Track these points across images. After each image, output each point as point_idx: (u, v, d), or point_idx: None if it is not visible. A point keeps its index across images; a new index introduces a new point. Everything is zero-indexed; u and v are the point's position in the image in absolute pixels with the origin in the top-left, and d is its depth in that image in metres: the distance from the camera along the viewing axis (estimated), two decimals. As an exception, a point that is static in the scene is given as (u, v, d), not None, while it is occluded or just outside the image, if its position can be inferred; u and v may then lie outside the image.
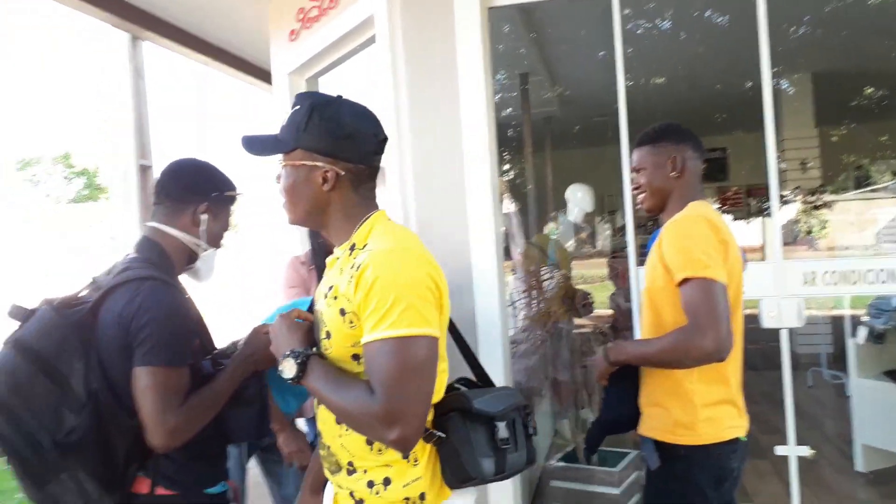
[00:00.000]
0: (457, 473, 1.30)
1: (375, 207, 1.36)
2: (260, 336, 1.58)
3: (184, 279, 1.72)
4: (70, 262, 22.15)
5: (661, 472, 1.77)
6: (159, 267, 1.56)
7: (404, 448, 1.22)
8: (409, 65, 2.93)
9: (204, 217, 1.63)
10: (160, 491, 1.51)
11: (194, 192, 1.64)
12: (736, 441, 1.77)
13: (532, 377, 3.83)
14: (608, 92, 6.09)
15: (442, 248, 2.91)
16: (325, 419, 1.38)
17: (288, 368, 1.28)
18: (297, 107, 1.32)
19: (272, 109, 4.21)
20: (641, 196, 1.93)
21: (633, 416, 1.93)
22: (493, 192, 2.83)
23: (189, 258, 1.66)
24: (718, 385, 1.74)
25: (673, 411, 1.75)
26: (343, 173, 1.30)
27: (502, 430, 1.34)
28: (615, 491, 3.27)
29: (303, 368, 1.28)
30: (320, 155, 1.29)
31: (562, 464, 3.53)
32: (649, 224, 8.55)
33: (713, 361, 1.62)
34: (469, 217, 2.87)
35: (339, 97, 1.34)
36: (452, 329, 1.58)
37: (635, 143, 1.97)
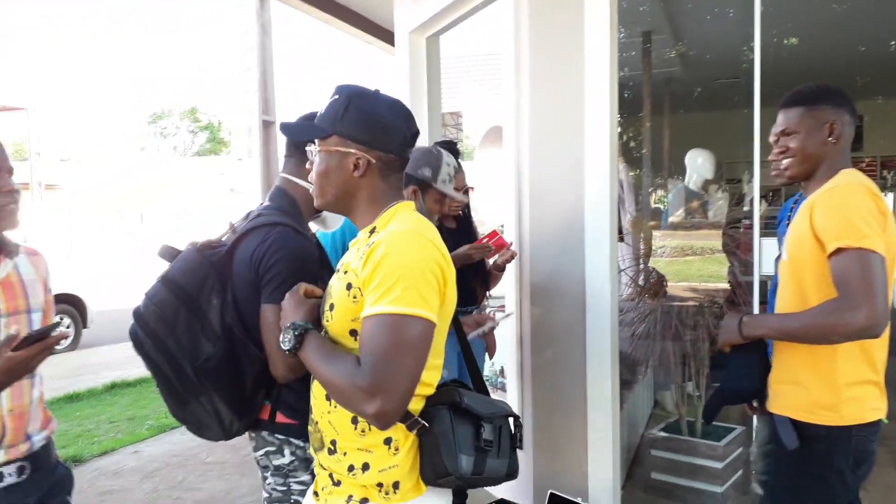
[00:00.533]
0: (435, 467, 1.30)
1: (401, 198, 1.42)
2: None
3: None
4: (194, 212, 23.71)
5: (797, 452, 1.70)
6: (289, 215, 1.68)
7: (384, 423, 1.25)
8: (533, 21, 2.90)
9: None
10: (280, 418, 1.65)
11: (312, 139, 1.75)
12: (878, 423, 1.69)
13: (637, 346, 3.80)
14: (735, 52, 5.77)
15: (554, 210, 2.92)
16: (317, 395, 1.43)
17: (287, 340, 1.38)
18: (336, 97, 1.40)
19: (392, 69, 4.29)
20: (788, 161, 1.79)
21: (756, 390, 1.87)
22: (611, 156, 2.78)
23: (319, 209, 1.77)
24: (863, 364, 1.66)
25: (813, 390, 1.68)
26: (374, 161, 1.36)
27: (488, 431, 1.34)
28: (718, 465, 3.21)
29: (300, 341, 1.35)
30: (354, 142, 1.35)
31: (664, 434, 3.50)
32: (770, 195, 8.07)
33: (865, 338, 1.53)
34: (586, 180, 2.84)
35: (377, 91, 1.40)
36: (457, 329, 1.61)
37: (785, 102, 1.81)
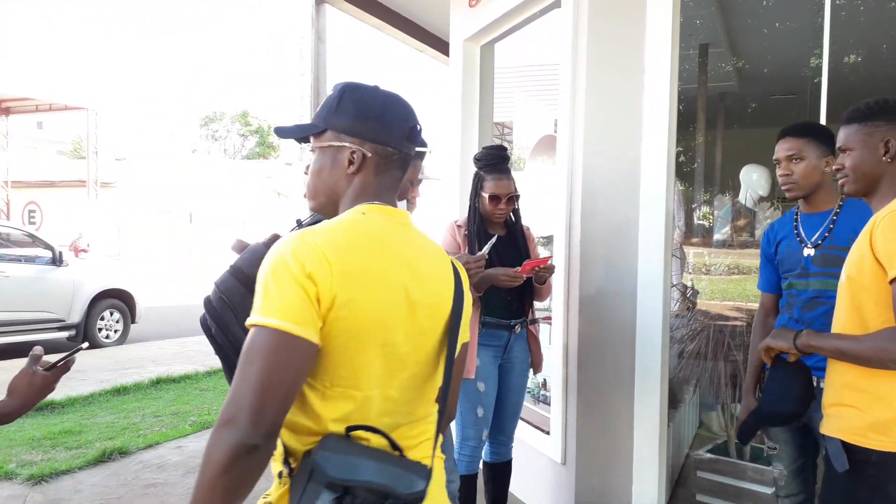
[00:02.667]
0: None
1: (390, 200, 1.27)
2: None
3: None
4: (242, 212, 24.20)
5: (847, 476, 1.65)
6: None
7: (234, 455, 0.98)
8: (592, 30, 2.88)
9: None
10: None
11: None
12: None
13: (685, 364, 3.72)
14: (792, 68, 5.63)
15: (606, 222, 2.88)
16: None
17: None
18: (332, 93, 1.31)
19: (444, 77, 4.31)
20: (843, 180, 1.78)
21: (795, 412, 1.83)
22: (668, 171, 2.74)
23: None
24: None
25: (867, 414, 1.62)
26: (370, 155, 1.24)
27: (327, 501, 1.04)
28: (768, 491, 3.11)
29: None
30: (348, 135, 1.24)
31: (711, 455, 3.41)
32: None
33: None
34: (641, 193, 2.80)
35: (375, 86, 1.31)
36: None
37: (843, 118, 1.79)
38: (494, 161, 2.74)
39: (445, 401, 1.27)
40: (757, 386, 2.38)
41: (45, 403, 5.27)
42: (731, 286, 5.70)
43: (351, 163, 1.24)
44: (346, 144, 1.24)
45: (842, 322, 1.72)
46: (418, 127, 1.31)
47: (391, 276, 1.15)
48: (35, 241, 8.04)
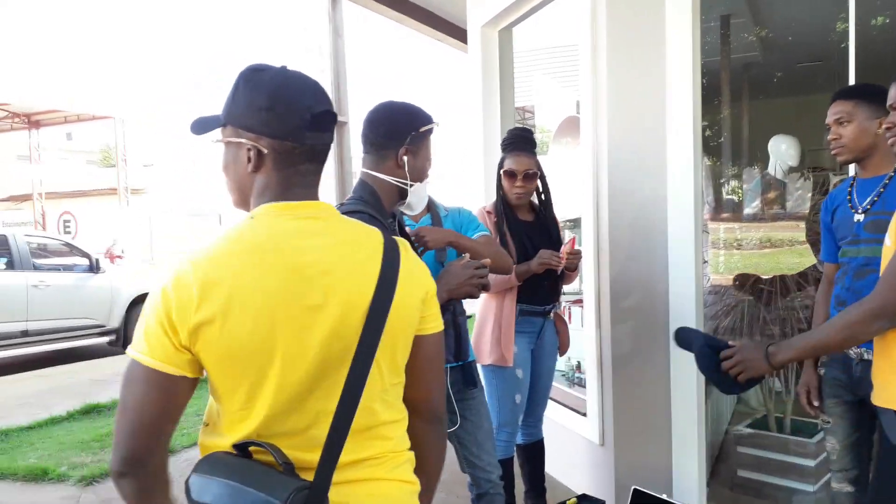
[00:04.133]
0: None
1: (302, 195, 1.14)
2: (454, 268, 1.71)
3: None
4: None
5: None
6: (370, 204, 1.79)
7: (116, 481, 1.06)
8: (611, 7, 2.85)
9: (405, 158, 1.80)
10: None
11: (393, 137, 1.81)
12: None
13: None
14: (817, 34, 5.50)
15: (634, 201, 2.86)
16: None
17: None
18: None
19: (464, 65, 4.30)
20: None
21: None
22: (695, 146, 2.71)
23: (400, 194, 1.85)
24: None
25: None
26: (266, 151, 1.11)
27: None
28: (810, 463, 3.08)
29: None
30: (245, 130, 1.12)
31: (750, 430, 3.39)
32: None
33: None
34: (668, 171, 2.78)
35: (281, 67, 1.17)
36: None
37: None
38: (514, 140, 2.77)
39: (356, 397, 1.08)
40: (817, 359, 2.35)
41: (90, 407, 5.42)
42: (764, 260, 5.62)
43: (249, 160, 1.13)
44: (243, 141, 1.13)
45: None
46: (323, 111, 1.13)
47: (270, 285, 1.03)
48: (72, 249, 8.24)
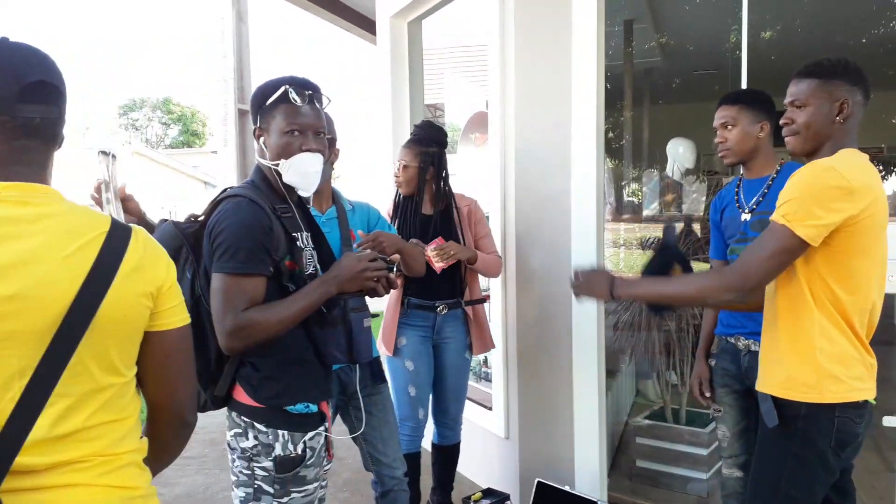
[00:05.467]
0: None
1: (17, 174, 1.04)
2: (347, 259, 1.63)
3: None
4: (171, 204, 23.36)
5: (777, 431, 1.68)
6: (258, 189, 1.66)
7: None
8: (519, 7, 2.86)
9: (262, 140, 1.68)
10: (243, 398, 1.61)
11: (253, 121, 1.71)
12: (864, 404, 1.66)
13: (620, 335, 3.80)
14: (715, 43, 5.78)
15: (540, 198, 2.89)
16: None
17: None
18: None
19: (373, 57, 4.23)
20: (791, 137, 1.73)
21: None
22: (598, 144, 2.76)
23: (281, 177, 1.68)
24: (845, 341, 1.64)
25: (793, 367, 1.66)
26: None
27: None
28: (703, 452, 3.22)
29: None
30: None
31: (648, 421, 3.51)
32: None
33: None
34: (572, 168, 2.81)
35: (4, 38, 1.08)
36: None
37: (799, 72, 1.74)
38: (411, 135, 2.80)
39: (40, 398, 0.99)
40: (708, 351, 2.45)
41: None
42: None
43: None
44: None
45: (766, 288, 1.76)
46: (37, 80, 1.04)
47: None
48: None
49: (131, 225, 1.11)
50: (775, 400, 1.70)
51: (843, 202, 1.54)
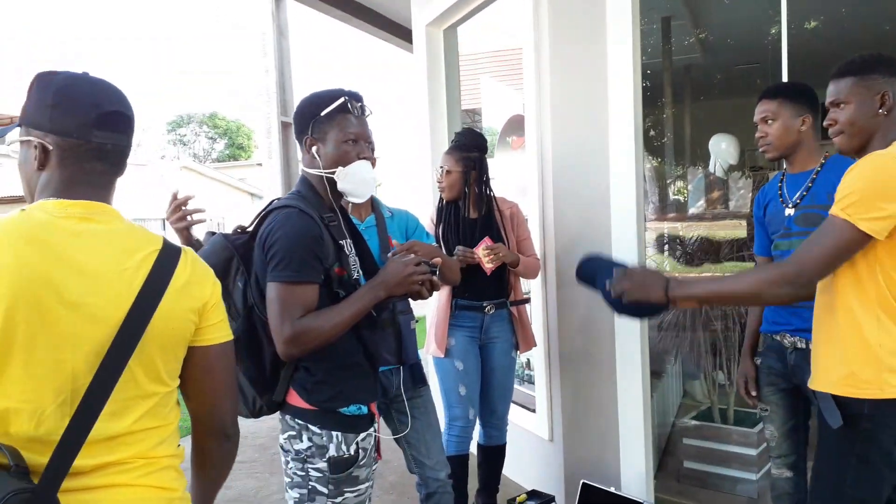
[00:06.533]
0: None
1: (86, 195, 1.12)
2: (393, 265, 1.67)
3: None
4: (219, 216, 23.91)
5: (839, 431, 1.63)
6: (306, 199, 1.71)
7: None
8: (553, 8, 2.88)
9: (314, 149, 1.72)
10: (297, 401, 1.67)
11: (300, 132, 1.76)
12: None
13: (666, 335, 3.76)
14: (755, 37, 5.68)
15: (578, 197, 2.89)
16: None
17: None
18: None
19: (410, 65, 4.29)
20: (838, 137, 1.72)
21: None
22: (636, 141, 2.75)
23: (332, 186, 1.73)
24: None
25: (852, 362, 1.60)
26: (51, 147, 1.11)
27: None
28: (752, 452, 3.16)
29: None
30: (33, 128, 1.14)
31: (695, 422, 3.46)
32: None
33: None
34: (611, 167, 2.81)
35: (82, 73, 1.18)
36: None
37: (835, 73, 1.73)
38: (451, 142, 2.84)
39: (97, 404, 1.05)
40: (754, 350, 2.41)
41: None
42: (707, 258, 5.76)
43: (36, 157, 1.13)
44: (31, 138, 1.14)
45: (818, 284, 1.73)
46: (113, 110, 1.15)
47: (24, 273, 1.01)
48: None
49: (180, 245, 1.20)
50: (835, 398, 1.65)
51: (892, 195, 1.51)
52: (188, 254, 1.19)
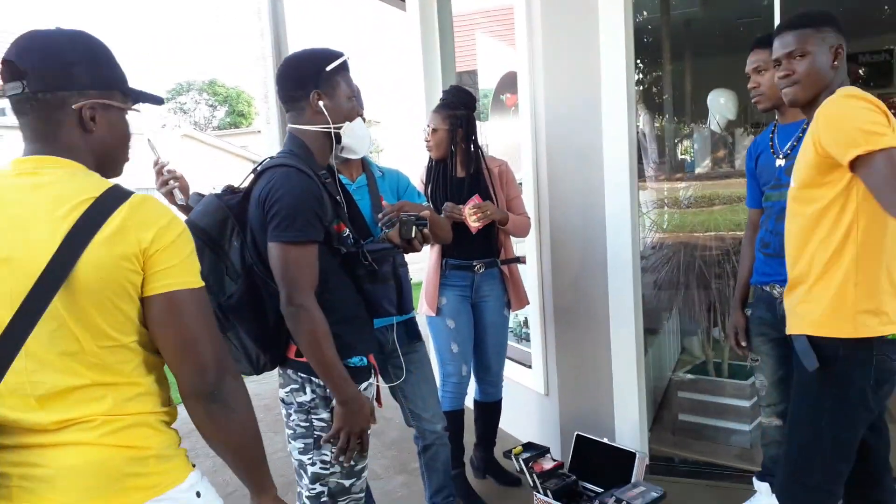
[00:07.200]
0: None
1: (27, 150, 1.14)
2: (364, 408, 1.69)
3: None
4: (218, 187, 23.82)
5: (815, 373, 1.66)
6: (298, 157, 1.72)
7: None
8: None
9: (321, 103, 1.73)
10: (298, 356, 1.70)
11: (302, 86, 1.74)
12: None
13: (662, 293, 3.79)
14: (756, -13, 5.55)
15: (571, 153, 2.90)
16: None
17: None
18: None
19: (403, 27, 4.24)
20: (793, 88, 1.73)
21: None
22: (629, 97, 2.75)
23: (331, 141, 1.78)
24: (882, 276, 1.62)
25: (828, 303, 1.64)
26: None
27: None
28: (746, 404, 3.21)
29: None
30: None
31: (690, 376, 3.51)
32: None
33: None
34: (603, 123, 2.81)
35: (56, 28, 1.18)
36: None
37: (790, 24, 1.74)
38: (439, 100, 2.84)
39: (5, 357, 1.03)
40: (745, 301, 2.44)
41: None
42: (711, 217, 5.73)
43: None
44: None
45: (793, 235, 1.75)
46: (3, 60, 1.11)
47: None
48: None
49: (137, 193, 1.12)
50: (810, 340, 1.68)
51: (882, 117, 1.52)
52: (134, 200, 1.09)
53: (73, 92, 1.12)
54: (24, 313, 1.03)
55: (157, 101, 1.31)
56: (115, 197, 1.08)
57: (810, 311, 1.69)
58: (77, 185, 1.09)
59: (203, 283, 1.15)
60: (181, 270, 1.11)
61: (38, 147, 1.12)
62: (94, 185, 1.09)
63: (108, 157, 1.19)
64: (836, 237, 1.63)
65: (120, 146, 1.21)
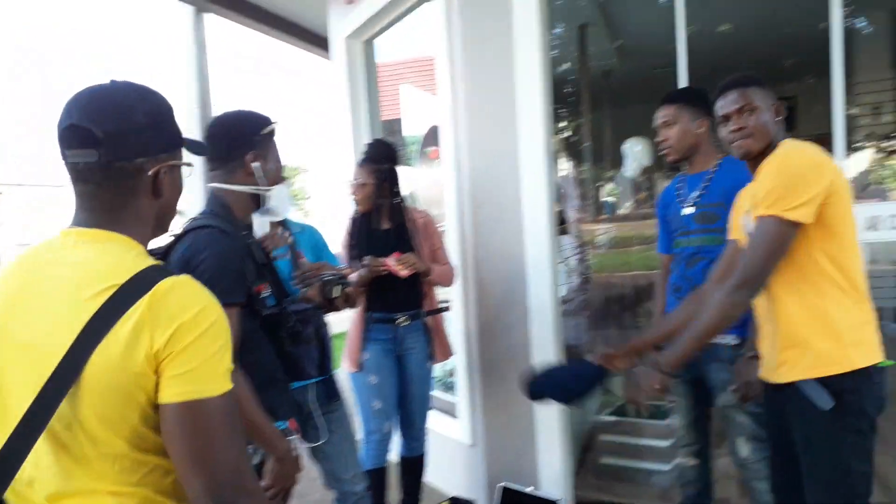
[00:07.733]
0: None
1: (77, 220, 1.07)
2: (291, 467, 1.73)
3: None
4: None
5: (830, 413, 1.64)
6: (220, 217, 1.73)
7: None
8: (465, 21, 2.95)
9: (256, 165, 1.76)
10: None
11: (237, 146, 1.76)
12: (884, 368, 1.70)
13: (581, 336, 3.88)
14: (668, 40, 5.88)
15: (493, 205, 2.97)
16: None
17: None
18: None
19: (329, 76, 4.29)
20: (746, 140, 1.80)
21: (580, 395, 2.08)
22: (546, 149, 2.84)
23: (254, 202, 1.81)
24: (856, 308, 1.70)
25: (818, 344, 1.68)
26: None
27: None
28: (664, 444, 3.29)
29: None
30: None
31: (611, 417, 3.57)
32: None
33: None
34: (521, 175, 2.89)
35: (112, 82, 1.10)
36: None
37: (738, 82, 1.84)
38: (362, 154, 2.86)
39: (16, 455, 0.95)
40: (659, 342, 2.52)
41: None
42: (633, 258, 5.93)
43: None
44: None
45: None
46: (66, 126, 1.02)
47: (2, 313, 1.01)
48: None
49: (167, 280, 0.99)
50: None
51: (818, 174, 1.64)
52: (159, 290, 0.97)
53: (150, 157, 1.04)
54: (38, 408, 0.94)
55: (204, 151, 1.28)
56: (141, 285, 0.96)
57: (801, 356, 1.71)
58: (109, 263, 0.99)
59: (231, 386, 1.00)
60: (200, 375, 0.96)
61: (87, 217, 1.03)
62: (126, 265, 0.98)
63: (167, 218, 1.14)
64: (808, 279, 1.69)
65: (176, 204, 1.15)
